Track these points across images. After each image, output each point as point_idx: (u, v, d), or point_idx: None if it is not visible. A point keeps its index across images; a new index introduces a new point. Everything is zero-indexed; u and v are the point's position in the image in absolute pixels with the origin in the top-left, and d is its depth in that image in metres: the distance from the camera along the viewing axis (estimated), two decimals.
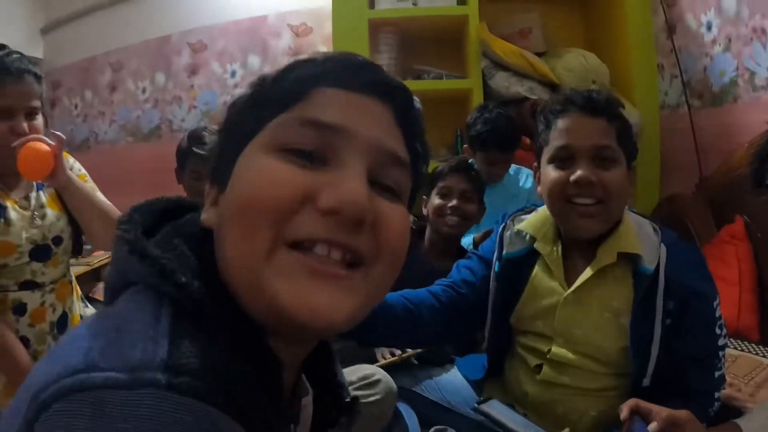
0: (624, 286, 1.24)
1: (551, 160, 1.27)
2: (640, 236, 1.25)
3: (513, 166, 2.35)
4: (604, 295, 1.25)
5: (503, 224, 1.42)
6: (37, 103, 1.58)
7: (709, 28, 2.57)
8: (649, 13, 2.75)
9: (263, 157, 0.56)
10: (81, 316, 1.83)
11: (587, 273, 1.25)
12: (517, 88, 2.56)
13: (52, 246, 1.67)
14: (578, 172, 1.20)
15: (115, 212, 1.69)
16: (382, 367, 1.57)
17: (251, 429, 0.49)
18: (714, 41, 2.55)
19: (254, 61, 3.45)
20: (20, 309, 1.64)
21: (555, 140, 1.26)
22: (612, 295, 1.25)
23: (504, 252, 1.38)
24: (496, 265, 1.40)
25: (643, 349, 1.21)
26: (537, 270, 1.34)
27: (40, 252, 1.64)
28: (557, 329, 1.29)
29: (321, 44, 3.32)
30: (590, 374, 1.27)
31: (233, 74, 3.49)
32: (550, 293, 1.30)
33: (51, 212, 1.67)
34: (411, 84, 2.67)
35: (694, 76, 2.70)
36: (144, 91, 3.76)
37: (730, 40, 2.44)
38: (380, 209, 0.56)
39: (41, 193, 1.67)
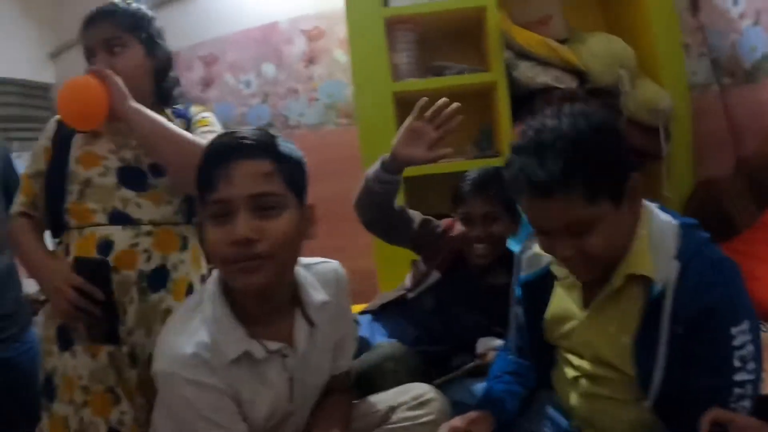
0: (636, 306, 1.16)
1: None
2: (659, 250, 1.13)
3: None
4: (618, 316, 1.19)
5: (521, 245, 1.39)
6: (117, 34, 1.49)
7: (735, 2, 2.49)
8: None
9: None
10: (192, 286, 1.52)
11: (600, 296, 1.20)
12: (544, 77, 2.46)
13: (149, 174, 1.46)
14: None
15: (194, 142, 1.41)
16: (437, 384, 1.51)
17: None
18: (742, 15, 2.46)
19: (269, 69, 3.38)
20: (105, 248, 1.39)
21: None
22: (625, 315, 1.18)
23: (521, 275, 1.37)
24: (517, 290, 1.39)
25: (647, 373, 1.12)
26: (557, 290, 1.31)
27: (132, 175, 1.44)
28: (579, 350, 1.27)
29: (336, 47, 3.24)
30: (621, 385, 1.20)
31: (248, 84, 3.43)
32: (570, 315, 1.28)
33: None
34: (432, 81, 2.63)
35: (723, 53, 2.61)
36: None
37: (759, 13, 2.35)
38: None
39: None
